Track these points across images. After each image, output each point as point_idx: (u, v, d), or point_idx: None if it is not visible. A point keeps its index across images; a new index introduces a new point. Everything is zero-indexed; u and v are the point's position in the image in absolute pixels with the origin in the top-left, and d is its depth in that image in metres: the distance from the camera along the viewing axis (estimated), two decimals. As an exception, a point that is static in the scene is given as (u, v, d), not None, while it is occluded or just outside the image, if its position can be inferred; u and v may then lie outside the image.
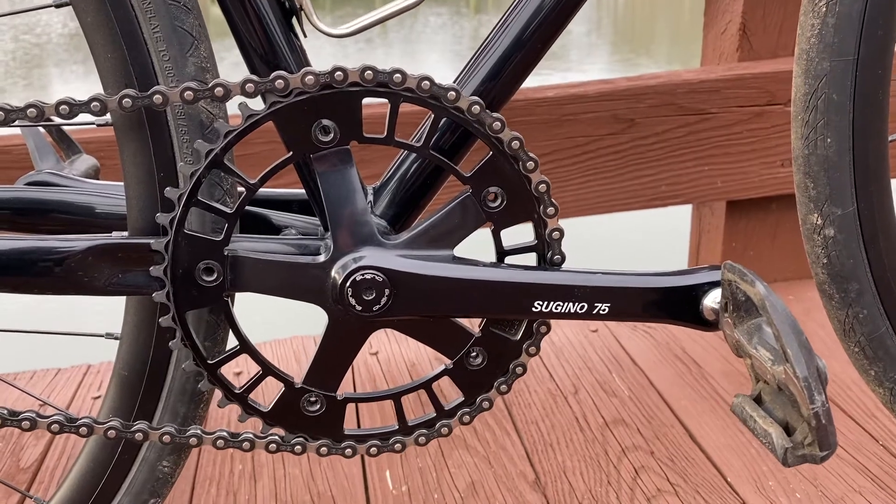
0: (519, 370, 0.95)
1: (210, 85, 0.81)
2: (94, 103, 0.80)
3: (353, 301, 0.85)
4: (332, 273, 0.85)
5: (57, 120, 0.81)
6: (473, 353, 0.93)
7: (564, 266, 0.90)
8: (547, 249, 0.91)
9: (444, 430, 0.96)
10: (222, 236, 0.85)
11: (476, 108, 0.84)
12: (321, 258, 0.86)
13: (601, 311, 0.88)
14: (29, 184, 1.05)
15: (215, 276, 0.86)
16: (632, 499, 1.39)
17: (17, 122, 0.81)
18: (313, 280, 0.86)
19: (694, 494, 1.39)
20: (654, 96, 1.74)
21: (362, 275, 0.84)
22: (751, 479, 1.43)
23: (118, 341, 0.97)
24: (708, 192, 1.85)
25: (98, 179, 1.13)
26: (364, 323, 0.88)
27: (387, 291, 0.85)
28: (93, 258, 0.84)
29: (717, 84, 1.77)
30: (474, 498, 1.35)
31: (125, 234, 0.92)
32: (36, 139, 1.17)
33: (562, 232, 0.90)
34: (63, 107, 0.80)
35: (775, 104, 1.80)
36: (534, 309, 0.88)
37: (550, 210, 0.89)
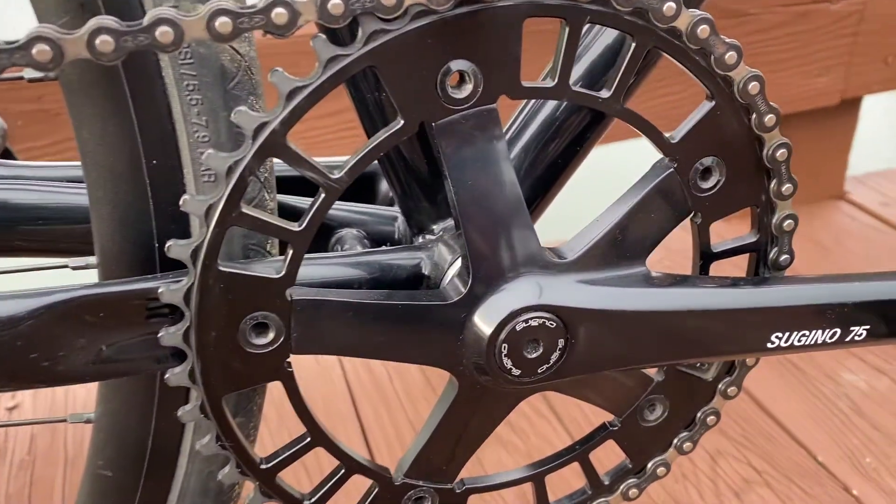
0: (711, 420, 0.64)
1: (264, 4, 0.43)
2: (39, 47, 0.41)
3: (508, 363, 0.51)
4: (474, 321, 0.51)
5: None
6: (650, 405, 0.62)
7: (798, 274, 0.59)
8: (771, 247, 0.59)
9: (603, 514, 0.65)
10: (283, 271, 0.49)
11: (704, 30, 0.50)
12: (451, 296, 0.51)
13: (856, 337, 0.58)
14: None
15: (272, 335, 0.50)
16: (717, 494, 1.14)
17: None
18: (436, 334, 0.52)
19: (787, 483, 1.15)
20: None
21: (526, 322, 0.51)
22: (844, 457, 1.20)
23: (90, 425, 0.60)
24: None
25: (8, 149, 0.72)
26: (517, 391, 0.55)
27: (560, 343, 0.52)
28: (51, 327, 0.47)
29: (762, -21, 1.46)
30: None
31: (94, 261, 0.54)
32: None
33: (796, 220, 0.58)
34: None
35: (822, 1, 1.52)
36: (769, 345, 0.57)
37: (787, 188, 0.57)
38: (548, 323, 0.51)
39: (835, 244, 1.68)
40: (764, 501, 1.12)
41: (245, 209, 0.47)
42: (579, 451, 0.62)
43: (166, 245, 0.47)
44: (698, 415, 0.64)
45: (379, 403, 1.28)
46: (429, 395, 1.29)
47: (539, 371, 0.52)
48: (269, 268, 0.49)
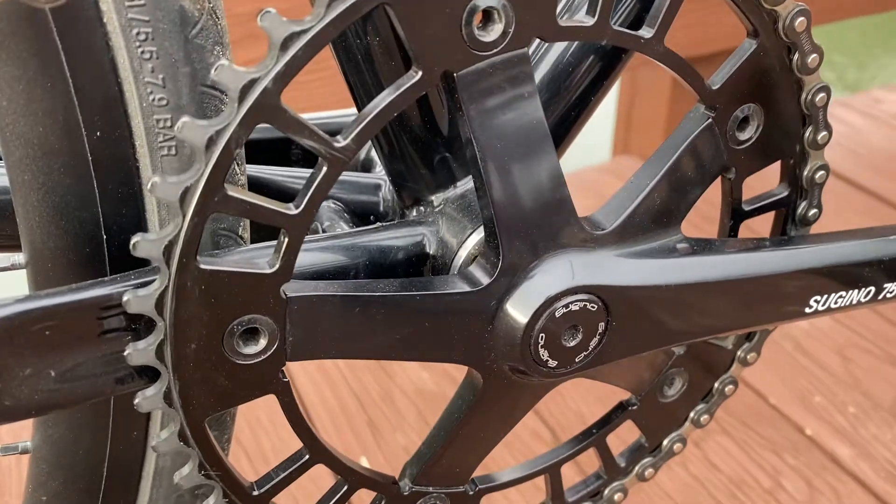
0: (728, 389, 0.59)
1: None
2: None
3: (545, 355, 0.44)
4: (506, 309, 0.43)
5: None
6: (670, 380, 0.56)
7: (823, 230, 0.54)
8: (801, 201, 0.54)
9: (618, 497, 0.60)
10: (278, 264, 0.39)
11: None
12: (481, 279, 0.43)
13: (888, 294, 0.54)
14: None
15: (264, 342, 0.41)
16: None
17: None
18: (461, 327, 0.43)
19: (744, 429, 1.15)
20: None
21: (566, 306, 0.43)
22: (795, 399, 1.21)
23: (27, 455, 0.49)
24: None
25: None
26: (546, 383, 0.48)
27: (601, 327, 0.45)
28: (-13, 352, 0.36)
29: None
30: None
31: (21, 260, 0.43)
32: None
33: (828, 171, 0.53)
34: None
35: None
36: (807, 309, 0.52)
37: (822, 136, 0.51)
38: (589, 306, 0.44)
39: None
40: (723, 448, 1.11)
41: (231, 191, 0.37)
42: (597, 435, 0.56)
43: (132, 241, 0.37)
44: (716, 385, 0.59)
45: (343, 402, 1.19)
46: (378, 371, 1.21)
47: (577, 360, 0.45)
48: (259, 261, 0.40)
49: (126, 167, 0.42)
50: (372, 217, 0.54)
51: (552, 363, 0.45)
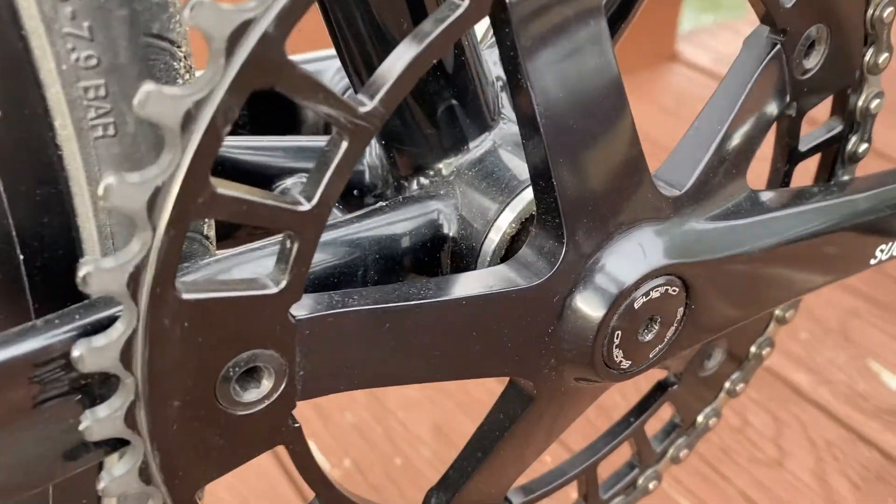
0: (766, 351, 0.52)
1: None
2: None
3: (619, 356, 0.35)
4: (574, 305, 0.34)
5: None
6: (709, 353, 0.49)
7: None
8: (852, 135, 0.46)
9: (652, 486, 0.52)
10: (285, 279, 0.28)
11: None
12: (539, 270, 0.33)
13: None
14: None
15: (270, 383, 0.30)
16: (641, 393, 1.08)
17: None
18: (515, 332, 0.34)
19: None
20: None
21: (647, 294, 0.34)
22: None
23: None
24: None
25: None
26: (605, 386, 0.39)
27: (679, 314, 0.36)
28: None
29: None
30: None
31: None
32: None
33: (883, 97, 0.46)
34: None
35: None
36: (872, 260, 0.45)
37: (884, 58, 0.44)
38: (671, 290, 0.35)
39: (677, 107, 1.63)
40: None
41: (220, 189, 0.26)
42: (636, 423, 0.48)
43: (80, 273, 0.25)
44: (752, 349, 0.52)
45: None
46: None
47: (651, 356, 0.37)
48: (258, 278, 0.29)
49: (43, 158, 0.29)
50: (356, 192, 0.43)
51: (625, 364, 0.36)
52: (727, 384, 0.52)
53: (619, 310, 0.34)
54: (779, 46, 0.38)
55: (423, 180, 0.40)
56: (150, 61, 0.29)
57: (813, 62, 0.41)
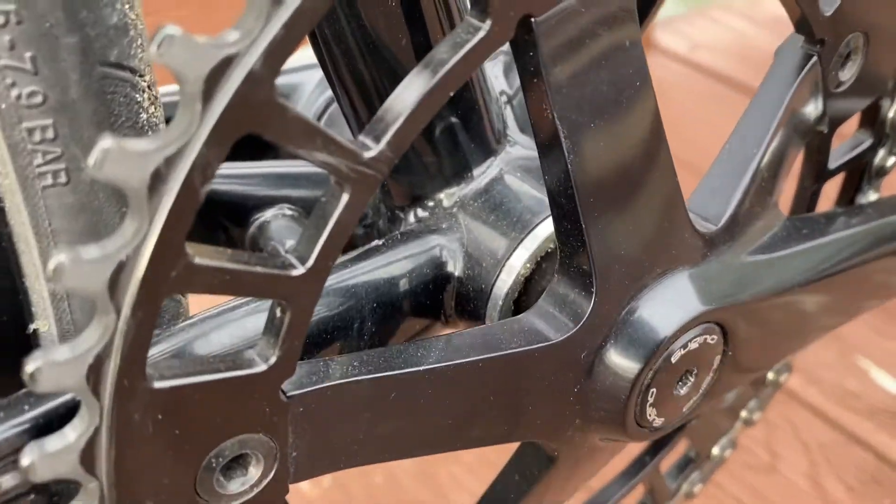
0: (783, 377, 0.49)
1: None
2: None
3: (652, 414, 0.31)
4: (605, 361, 0.30)
5: None
6: (729, 380, 0.45)
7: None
8: (880, 148, 0.43)
9: (666, 525, 0.49)
10: (276, 354, 0.24)
11: None
12: (564, 322, 0.29)
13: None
14: None
15: (258, 470, 0.26)
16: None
17: None
18: (540, 391, 0.30)
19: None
20: None
21: (685, 346, 0.30)
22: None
23: None
24: None
25: None
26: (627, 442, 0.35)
27: (716, 362, 0.32)
28: None
29: None
30: None
31: None
32: None
33: (914, 108, 0.42)
34: None
35: None
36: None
37: (918, 66, 0.40)
38: (709, 339, 0.31)
39: (657, 96, 1.60)
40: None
41: (198, 258, 0.21)
42: (651, 463, 0.45)
43: (27, 369, 0.20)
44: (770, 375, 0.49)
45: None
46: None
47: (684, 410, 0.33)
48: (244, 354, 0.24)
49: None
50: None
51: (658, 422, 0.32)
52: (744, 413, 0.49)
53: (655, 365, 0.30)
54: (815, 58, 0.35)
55: (422, 212, 0.35)
56: (107, 95, 0.25)
57: (848, 74, 0.37)
